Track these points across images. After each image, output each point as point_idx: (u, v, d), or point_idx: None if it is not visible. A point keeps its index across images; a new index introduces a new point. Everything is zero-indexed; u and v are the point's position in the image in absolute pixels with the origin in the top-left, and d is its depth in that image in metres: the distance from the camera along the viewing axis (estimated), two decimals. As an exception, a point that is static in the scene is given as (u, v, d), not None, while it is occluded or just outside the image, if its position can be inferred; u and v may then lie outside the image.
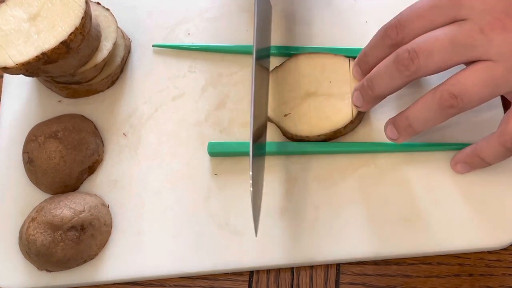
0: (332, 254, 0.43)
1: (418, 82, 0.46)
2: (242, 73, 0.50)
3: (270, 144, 0.46)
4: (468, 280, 0.42)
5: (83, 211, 0.43)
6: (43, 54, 0.43)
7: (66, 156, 0.45)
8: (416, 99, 0.40)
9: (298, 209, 0.45)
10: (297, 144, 0.46)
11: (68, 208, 0.43)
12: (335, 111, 0.45)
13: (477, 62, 0.36)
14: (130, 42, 0.52)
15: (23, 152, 0.47)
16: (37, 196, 0.47)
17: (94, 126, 0.49)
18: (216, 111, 0.49)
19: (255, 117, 0.40)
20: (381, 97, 0.42)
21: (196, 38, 0.52)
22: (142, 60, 0.52)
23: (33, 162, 0.46)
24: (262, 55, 0.45)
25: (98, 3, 0.51)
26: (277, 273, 0.44)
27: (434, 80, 0.41)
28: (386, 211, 0.44)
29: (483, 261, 0.43)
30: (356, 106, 0.44)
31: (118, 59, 0.50)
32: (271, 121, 0.47)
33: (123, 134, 0.49)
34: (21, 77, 0.49)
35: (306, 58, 0.47)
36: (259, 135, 0.42)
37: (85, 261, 0.44)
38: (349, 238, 0.43)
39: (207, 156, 0.47)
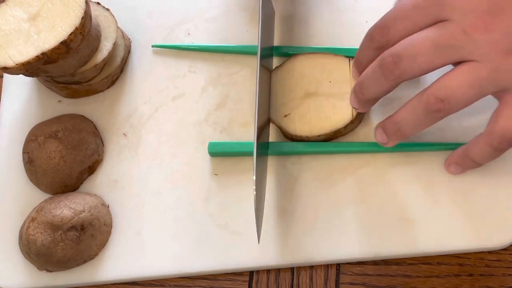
0: (332, 254, 0.43)
1: (417, 81, 0.46)
2: (242, 73, 0.50)
3: (270, 144, 0.46)
4: (468, 280, 0.42)
5: (83, 211, 0.43)
6: (43, 54, 0.43)
7: (66, 156, 0.45)
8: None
9: (298, 209, 0.45)
10: (297, 144, 0.46)
11: (68, 208, 0.43)
12: (335, 111, 0.45)
13: (462, 64, 0.36)
14: (130, 42, 0.52)
15: (23, 152, 0.47)
16: (37, 196, 0.47)
17: (94, 126, 0.49)
18: (216, 111, 0.49)
19: (259, 116, 0.40)
20: (373, 100, 0.42)
21: (196, 38, 0.52)
22: (142, 60, 0.52)
23: (33, 162, 0.46)
24: (265, 55, 0.45)
25: (98, 3, 0.51)
26: (277, 273, 0.44)
27: (434, 79, 0.41)
28: (386, 211, 0.44)
29: (483, 261, 0.43)
30: (354, 108, 0.44)
31: (118, 59, 0.50)
32: (271, 121, 0.47)
33: (123, 134, 0.49)
34: (21, 77, 0.49)
35: (306, 58, 0.47)
36: (262, 135, 0.42)
37: (85, 261, 0.44)
38: (349, 238, 0.43)
39: (207, 156, 0.47)
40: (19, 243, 0.45)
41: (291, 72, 0.47)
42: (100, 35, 0.48)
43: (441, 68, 0.38)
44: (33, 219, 0.43)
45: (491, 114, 0.43)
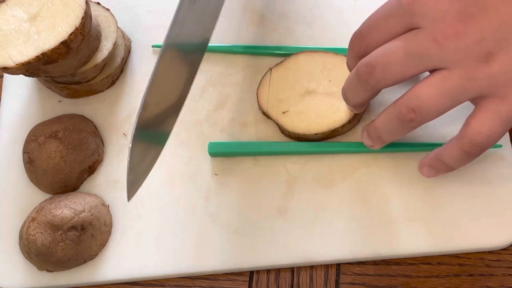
0: (332, 254, 0.43)
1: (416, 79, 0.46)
2: (242, 73, 0.50)
3: (270, 144, 0.46)
4: (468, 280, 0.42)
5: (83, 211, 0.43)
6: (43, 54, 0.43)
7: (66, 156, 0.45)
8: None
9: (298, 209, 0.45)
10: (297, 144, 0.46)
11: (68, 208, 0.43)
12: (333, 110, 0.45)
13: (434, 72, 0.36)
14: (130, 42, 0.52)
15: (23, 152, 0.47)
16: (37, 196, 0.47)
17: (94, 126, 0.49)
18: (216, 111, 0.49)
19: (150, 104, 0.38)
20: (360, 105, 0.42)
21: (196, 38, 0.52)
22: (142, 60, 0.52)
23: (33, 162, 0.46)
24: (188, 46, 0.41)
25: (98, 3, 0.51)
26: (277, 273, 0.44)
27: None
28: (386, 211, 0.44)
29: (483, 261, 0.43)
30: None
31: (118, 59, 0.50)
32: (269, 118, 0.47)
33: (123, 134, 0.49)
34: (21, 77, 0.49)
35: (306, 56, 0.47)
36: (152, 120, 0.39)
37: (85, 261, 0.44)
38: (349, 238, 0.43)
39: (207, 156, 0.47)
40: (19, 243, 0.45)
41: (291, 70, 0.47)
42: (100, 35, 0.48)
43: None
44: (33, 219, 0.43)
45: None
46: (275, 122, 0.46)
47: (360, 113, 0.45)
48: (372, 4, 0.51)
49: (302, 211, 0.45)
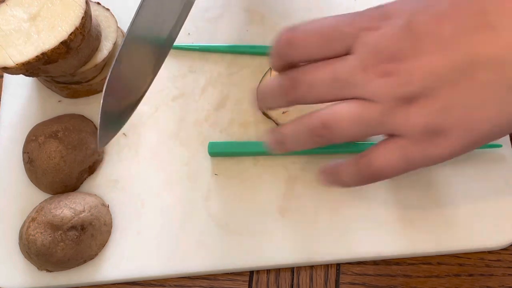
0: (332, 254, 0.43)
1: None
2: (242, 73, 0.50)
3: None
4: (468, 280, 0.42)
5: (83, 211, 0.43)
6: (43, 54, 0.43)
7: (66, 156, 0.45)
8: None
9: (298, 209, 0.45)
10: (297, 144, 0.46)
11: (68, 208, 0.43)
12: None
13: (357, 100, 0.36)
14: (130, 42, 0.52)
15: (23, 152, 0.47)
16: (37, 196, 0.47)
17: (94, 126, 0.49)
18: (216, 111, 0.49)
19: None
20: (271, 108, 0.43)
21: (196, 38, 0.52)
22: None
23: (33, 162, 0.46)
24: (156, 37, 0.42)
25: (98, 3, 0.51)
26: (277, 273, 0.44)
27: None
28: (386, 211, 0.44)
29: (483, 261, 0.43)
30: None
31: (118, 59, 0.50)
32: (269, 118, 0.47)
33: (123, 134, 0.49)
34: (21, 77, 0.49)
35: None
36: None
37: (85, 261, 0.44)
38: (349, 238, 0.43)
39: (207, 156, 0.47)
40: (19, 243, 0.45)
41: None
42: (100, 35, 0.48)
43: None
44: (33, 219, 0.43)
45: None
46: (275, 122, 0.46)
47: None
48: (372, 4, 0.51)
49: (302, 211, 0.45)
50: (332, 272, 0.44)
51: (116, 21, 0.50)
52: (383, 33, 0.35)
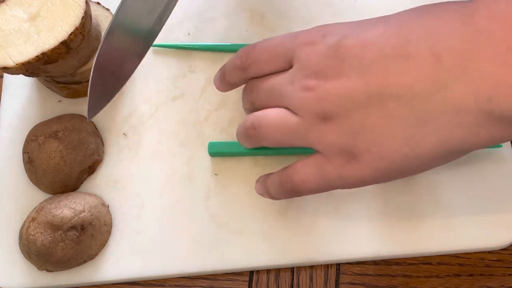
0: (332, 254, 0.43)
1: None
2: (242, 73, 0.50)
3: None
4: (468, 280, 0.42)
5: (83, 211, 0.43)
6: (43, 54, 0.43)
7: (66, 156, 0.45)
8: None
9: (298, 209, 0.45)
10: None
11: (68, 208, 0.43)
12: None
13: (284, 108, 0.38)
14: (130, 42, 0.52)
15: (23, 152, 0.47)
16: (37, 196, 0.47)
17: (94, 126, 0.49)
18: (216, 111, 0.49)
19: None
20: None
21: (196, 38, 0.52)
22: (142, 60, 0.52)
23: (33, 162, 0.46)
24: (141, 26, 0.43)
25: (98, 3, 0.51)
26: (277, 273, 0.44)
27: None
28: (386, 211, 0.44)
29: (483, 261, 0.43)
30: None
31: (118, 59, 0.50)
32: None
33: (123, 134, 0.49)
34: (21, 77, 0.49)
35: None
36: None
37: (85, 261, 0.44)
38: (349, 238, 0.43)
39: (207, 156, 0.47)
40: (19, 243, 0.45)
41: None
42: (100, 35, 0.48)
43: None
44: (33, 219, 0.43)
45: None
46: None
47: None
48: (372, 4, 0.51)
49: (302, 211, 0.45)
50: (332, 272, 0.44)
51: (116, 21, 0.50)
52: (314, 50, 0.36)
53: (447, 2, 0.34)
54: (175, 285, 0.44)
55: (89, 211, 0.44)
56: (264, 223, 0.45)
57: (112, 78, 0.42)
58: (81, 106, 0.50)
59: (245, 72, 0.41)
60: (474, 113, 0.31)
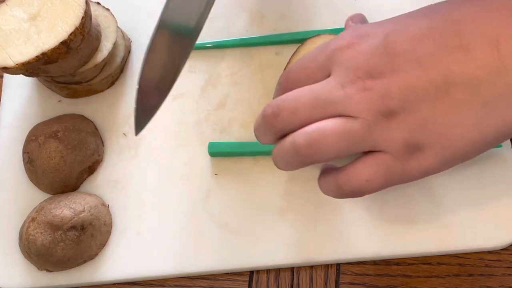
0: (332, 254, 0.43)
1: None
2: (242, 73, 0.50)
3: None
4: (468, 280, 0.42)
5: (83, 211, 0.43)
6: (43, 54, 0.43)
7: (66, 156, 0.45)
8: None
9: (298, 209, 0.45)
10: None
11: (68, 208, 0.43)
12: None
13: (340, 117, 0.36)
14: (130, 42, 0.52)
15: (23, 152, 0.47)
16: (37, 196, 0.47)
17: (94, 126, 0.49)
18: (216, 111, 0.49)
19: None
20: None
21: (196, 38, 0.52)
22: (142, 60, 0.52)
23: (33, 162, 0.46)
24: (180, 27, 0.42)
25: (98, 3, 0.51)
26: (277, 273, 0.44)
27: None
28: (386, 211, 0.44)
29: (483, 261, 0.43)
30: None
31: (118, 59, 0.50)
32: None
33: (123, 134, 0.49)
34: (21, 77, 0.49)
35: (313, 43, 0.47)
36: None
37: (85, 261, 0.44)
38: (349, 238, 0.43)
39: (207, 156, 0.47)
40: (19, 243, 0.45)
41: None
42: (100, 35, 0.48)
43: None
44: (33, 219, 0.43)
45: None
46: None
47: None
48: (372, 4, 0.51)
49: (302, 211, 0.45)
50: (332, 272, 0.44)
51: (116, 21, 0.50)
52: (358, 50, 0.36)
53: None
54: (175, 285, 0.44)
55: (89, 211, 0.44)
56: (264, 223, 0.45)
57: (156, 90, 0.41)
58: (81, 106, 0.50)
59: (282, 89, 0.40)
60: None
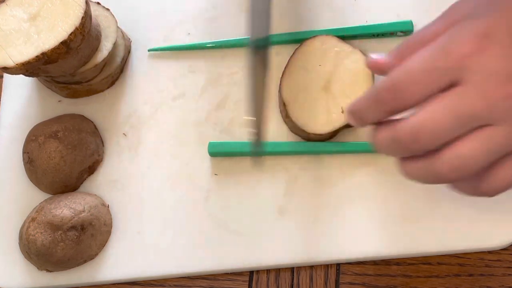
0: (332, 254, 0.43)
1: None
2: (242, 73, 0.50)
3: (270, 144, 0.46)
4: (468, 280, 0.42)
5: (83, 211, 0.43)
6: (43, 54, 0.43)
7: (66, 156, 0.45)
8: None
9: (298, 209, 0.45)
10: (298, 144, 0.46)
11: (68, 208, 0.43)
12: (339, 111, 0.45)
13: (477, 130, 0.34)
14: (130, 42, 0.52)
15: (23, 152, 0.47)
16: (37, 196, 0.47)
17: (94, 126, 0.49)
18: (216, 111, 0.49)
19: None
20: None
21: (196, 38, 0.52)
22: (142, 60, 0.52)
23: (33, 162, 0.46)
24: (260, 45, 0.41)
25: (98, 3, 0.51)
26: (277, 273, 0.44)
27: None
28: (386, 211, 0.44)
29: (483, 261, 0.43)
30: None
31: (118, 59, 0.50)
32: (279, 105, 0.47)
33: (123, 134, 0.49)
34: (21, 77, 0.49)
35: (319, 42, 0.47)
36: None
37: (85, 261, 0.44)
38: (349, 238, 0.43)
39: (207, 156, 0.47)
40: (19, 243, 0.45)
41: (314, 53, 0.47)
42: (100, 35, 0.48)
43: None
44: (33, 219, 0.43)
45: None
46: (285, 106, 0.46)
47: None
48: (372, 4, 0.51)
49: (302, 211, 0.45)
50: (332, 272, 0.44)
51: (116, 21, 0.50)
52: (490, 56, 0.33)
53: None
54: (175, 285, 0.44)
55: (89, 211, 0.44)
56: (264, 223, 0.45)
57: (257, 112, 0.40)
58: (81, 106, 0.50)
59: (396, 108, 0.35)
60: None
